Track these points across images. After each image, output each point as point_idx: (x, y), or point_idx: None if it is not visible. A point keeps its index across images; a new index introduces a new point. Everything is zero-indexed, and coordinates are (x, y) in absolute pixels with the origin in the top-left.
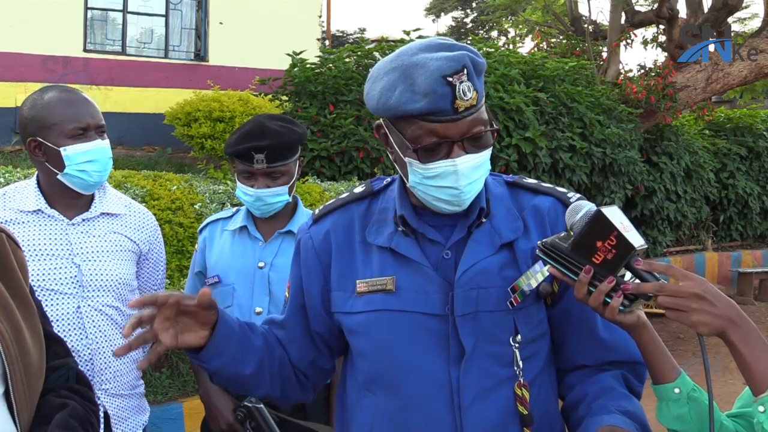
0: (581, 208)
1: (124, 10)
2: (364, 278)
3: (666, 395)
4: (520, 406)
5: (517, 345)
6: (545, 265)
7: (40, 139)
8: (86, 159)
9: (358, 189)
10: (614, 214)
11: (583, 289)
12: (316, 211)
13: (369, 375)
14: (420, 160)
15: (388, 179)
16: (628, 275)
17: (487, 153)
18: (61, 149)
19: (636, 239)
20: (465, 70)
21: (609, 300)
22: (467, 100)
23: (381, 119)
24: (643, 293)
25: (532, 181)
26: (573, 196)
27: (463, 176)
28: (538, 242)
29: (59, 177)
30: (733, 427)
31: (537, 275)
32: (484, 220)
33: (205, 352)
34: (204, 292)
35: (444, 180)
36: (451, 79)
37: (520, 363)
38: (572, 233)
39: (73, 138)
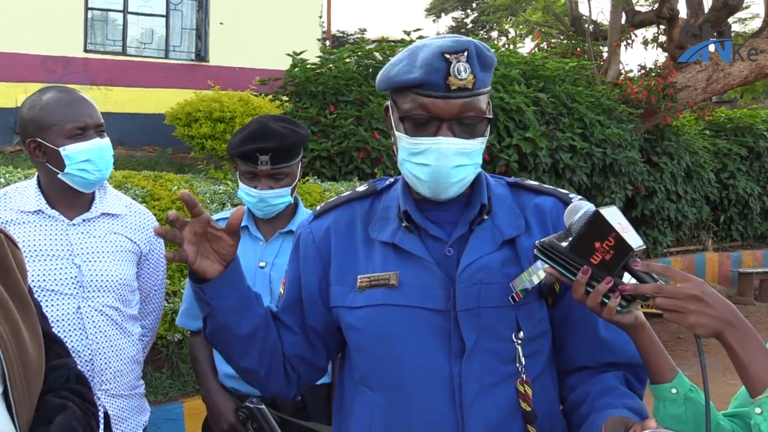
0: (580, 208)
1: (125, 11)
2: (366, 273)
3: (663, 395)
4: (523, 403)
5: (519, 341)
6: (543, 264)
7: (40, 140)
8: (85, 158)
9: (361, 188)
10: (613, 215)
11: (580, 290)
12: (318, 207)
13: (368, 371)
14: (407, 132)
15: (391, 179)
16: (626, 276)
17: (476, 142)
18: (60, 149)
19: (634, 240)
20: (466, 52)
21: (607, 300)
22: (461, 80)
23: (388, 101)
24: (641, 294)
25: (533, 182)
26: (575, 197)
27: (444, 157)
28: (536, 242)
29: (60, 176)
30: (730, 427)
31: (539, 272)
32: (485, 217)
33: (212, 284)
34: (238, 210)
35: (425, 157)
36: (448, 56)
37: (522, 360)
38: (571, 233)
39: (72, 138)
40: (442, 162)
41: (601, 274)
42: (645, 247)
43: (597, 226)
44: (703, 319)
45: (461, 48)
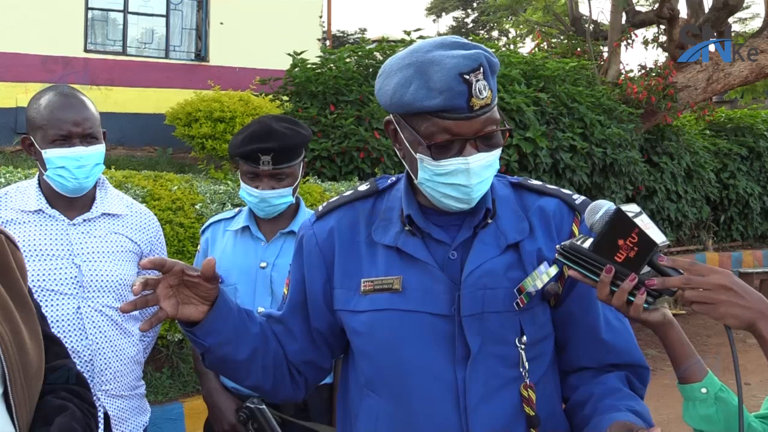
0: (600, 207)
1: (125, 11)
2: (369, 277)
3: (693, 395)
4: (527, 407)
5: (522, 346)
6: (556, 265)
7: (32, 139)
8: (61, 164)
9: (363, 187)
10: (634, 212)
11: (605, 290)
12: (320, 207)
13: (373, 375)
14: (432, 156)
15: (393, 178)
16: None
17: (497, 152)
18: (43, 152)
19: (658, 236)
20: (481, 69)
21: (632, 299)
22: (482, 98)
23: (391, 115)
24: (670, 287)
25: (537, 182)
26: (578, 198)
27: (475, 174)
28: (557, 246)
29: (44, 177)
30: (762, 428)
31: (542, 276)
32: (489, 221)
33: (201, 327)
34: (209, 261)
35: (455, 177)
36: (467, 77)
37: (526, 364)
38: (591, 233)
39: (54, 143)
40: (474, 179)
41: (626, 272)
42: (669, 243)
43: (619, 223)
44: (734, 309)
45: (476, 65)
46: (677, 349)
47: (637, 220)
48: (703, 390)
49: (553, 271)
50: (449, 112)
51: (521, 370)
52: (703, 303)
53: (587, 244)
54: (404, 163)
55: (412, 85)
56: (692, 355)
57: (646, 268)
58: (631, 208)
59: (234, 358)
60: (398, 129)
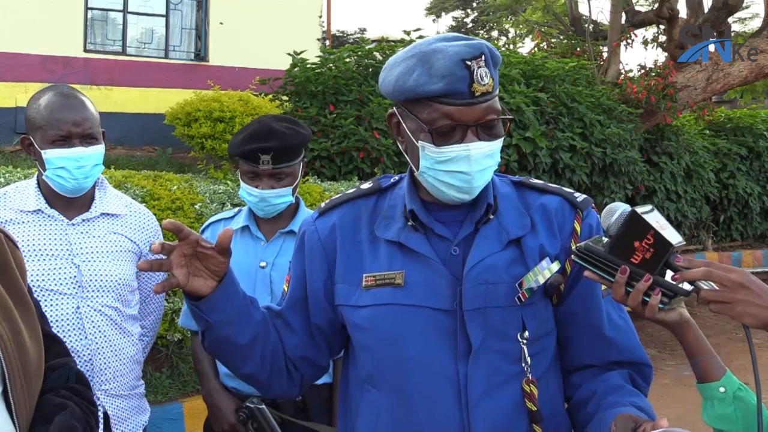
0: (616, 209)
1: (125, 11)
2: (371, 272)
3: (711, 394)
4: (529, 403)
5: (524, 341)
6: (558, 262)
7: (31, 139)
8: (61, 165)
9: (366, 185)
10: (649, 214)
11: (621, 290)
12: (322, 204)
13: (374, 370)
14: (434, 143)
15: (396, 177)
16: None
17: (498, 143)
18: (42, 152)
19: (673, 236)
20: (483, 57)
21: (648, 299)
22: (484, 85)
23: (394, 107)
24: (691, 279)
25: (538, 181)
26: (579, 196)
27: (475, 162)
28: (573, 247)
29: (44, 177)
30: None
31: (544, 272)
32: (491, 216)
33: (207, 301)
34: (226, 231)
35: (456, 164)
36: (469, 63)
37: (528, 359)
38: (608, 236)
39: (54, 143)
40: (474, 167)
41: (642, 273)
42: (685, 243)
43: (634, 225)
44: (752, 308)
45: (478, 53)
46: (695, 348)
47: (651, 219)
48: (721, 389)
49: (555, 267)
50: (451, 97)
51: (523, 365)
52: (721, 302)
53: (603, 245)
54: (406, 156)
55: (415, 72)
56: (710, 353)
57: (664, 269)
58: (646, 210)
59: (234, 341)
60: (401, 120)
